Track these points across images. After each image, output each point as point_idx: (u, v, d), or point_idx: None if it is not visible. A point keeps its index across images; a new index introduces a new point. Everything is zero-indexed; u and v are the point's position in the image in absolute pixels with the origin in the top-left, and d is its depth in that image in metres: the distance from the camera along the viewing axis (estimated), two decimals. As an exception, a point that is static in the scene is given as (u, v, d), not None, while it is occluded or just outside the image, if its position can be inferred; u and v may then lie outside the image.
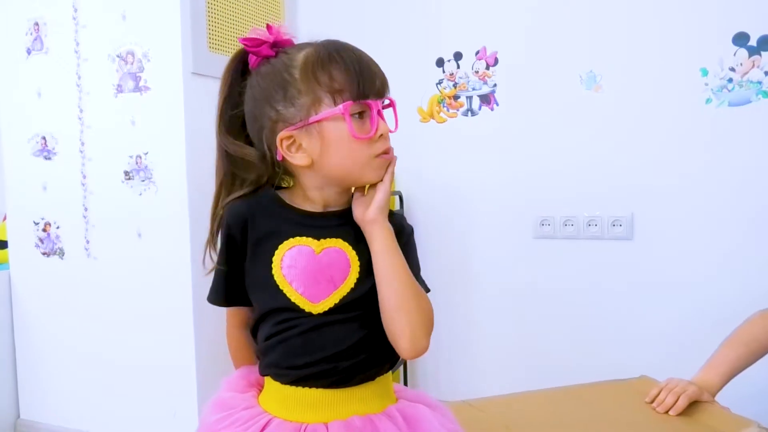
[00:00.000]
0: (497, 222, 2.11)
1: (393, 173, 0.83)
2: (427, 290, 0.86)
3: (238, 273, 0.85)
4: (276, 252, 0.81)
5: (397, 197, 2.17)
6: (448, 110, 2.17)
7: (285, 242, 0.81)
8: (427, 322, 0.82)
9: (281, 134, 0.80)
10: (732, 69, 1.80)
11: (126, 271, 1.96)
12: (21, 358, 2.19)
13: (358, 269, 0.81)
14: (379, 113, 0.80)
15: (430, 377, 2.25)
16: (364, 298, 0.81)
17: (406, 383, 2.20)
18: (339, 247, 0.82)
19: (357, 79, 0.79)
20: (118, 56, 1.91)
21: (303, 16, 2.37)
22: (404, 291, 0.80)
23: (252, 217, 0.83)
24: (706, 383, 1.23)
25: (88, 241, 2.02)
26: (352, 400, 0.81)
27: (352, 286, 0.81)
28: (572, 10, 1.98)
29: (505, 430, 1.17)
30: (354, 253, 0.82)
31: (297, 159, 0.81)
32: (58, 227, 2.07)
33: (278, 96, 0.81)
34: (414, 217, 2.23)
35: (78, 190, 2.01)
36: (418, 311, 0.80)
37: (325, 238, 0.82)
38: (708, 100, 1.83)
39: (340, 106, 0.78)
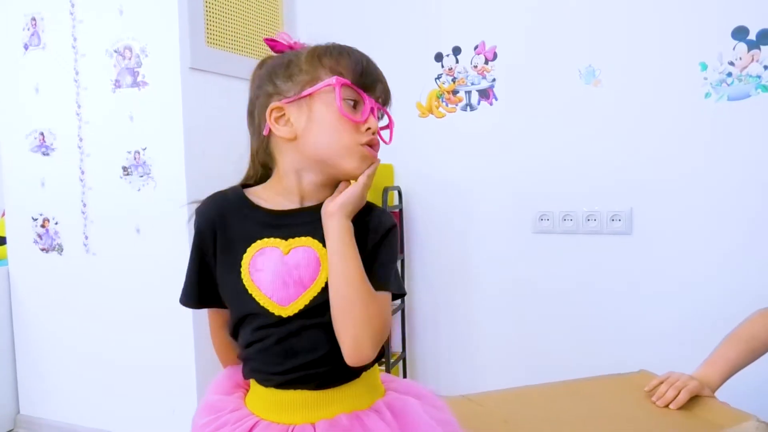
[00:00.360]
0: (496, 216, 2.11)
1: (372, 176, 0.81)
2: (401, 294, 0.83)
3: (209, 275, 0.84)
4: (244, 256, 0.80)
5: (396, 192, 2.17)
6: (447, 105, 2.17)
7: (253, 245, 0.80)
8: (375, 331, 0.76)
9: (272, 105, 0.81)
10: (731, 63, 1.79)
11: (125, 267, 1.96)
12: (20, 353, 2.20)
13: (328, 267, 0.78)
14: (373, 111, 0.80)
15: (430, 374, 2.26)
16: None
17: (405, 377, 2.20)
18: (308, 245, 0.79)
19: (361, 70, 0.80)
20: (115, 51, 1.90)
21: (301, 11, 2.36)
22: (350, 296, 0.75)
23: (221, 219, 0.83)
24: (706, 379, 1.23)
25: (86, 237, 2.01)
26: (338, 400, 0.80)
27: (323, 285, 0.78)
28: (571, 4, 1.97)
29: (503, 425, 1.17)
30: (324, 250, 0.79)
31: (282, 131, 0.81)
32: (56, 223, 2.07)
33: (280, 72, 0.82)
34: (413, 212, 2.23)
35: (76, 185, 2.01)
36: (365, 319, 0.75)
37: (294, 237, 0.80)
38: (707, 95, 1.83)
39: (334, 78, 0.78)
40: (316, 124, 0.79)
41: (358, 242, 0.79)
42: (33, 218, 2.11)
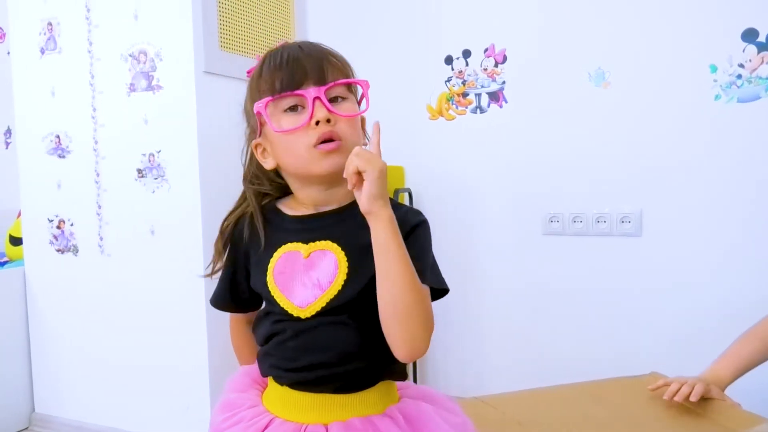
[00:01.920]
0: (506, 218, 2.12)
1: (369, 160, 0.74)
2: (445, 290, 0.82)
3: (241, 280, 0.89)
4: (270, 260, 0.83)
5: (406, 194, 2.18)
6: (457, 107, 2.18)
7: (279, 249, 0.83)
8: (428, 327, 0.76)
9: (253, 143, 0.86)
10: (741, 65, 1.80)
11: (139, 268, 1.99)
12: (35, 352, 2.23)
13: (346, 270, 0.79)
14: (317, 100, 0.78)
15: (440, 374, 2.27)
16: (354, 301, 0.79)
17: (415, 380, 2.21)
18: (327, 249, 0.81)
19: (278, 74, 0.80)
20: (130, 55, 1.93)
21: (312, 15, 2.38)
22: (403, 296, 0.73)
23: (252, 231, 0.86)
24: (717, 375, 1.23)
25: (101, 238, 2.04)
26: (352, 405, 0.81)
27: (339, 288, 0.79)
28: (581, 6, 1.98)
29: (517, 427, 1.18)
30: (342, 253, 0.80)
31: (267, 164, 0.85)
32: (72, 224, 2.10)
33: (245, 109, 0.87)
34: (423, 213, 2.24)
35: (92, 187, 2.04)
36: (419, 317, 0.75)
37: (314, 240, 0.82)
38: (717, 97, 1.83)
39: (257, 105, 0.80)
40: (275, 149, 0.83)
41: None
42: (49, 219, 2.14)
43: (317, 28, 2.38)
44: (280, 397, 0.83)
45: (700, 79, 1.85)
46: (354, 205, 0.78)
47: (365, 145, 0.86)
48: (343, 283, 0.79)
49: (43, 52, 2.09)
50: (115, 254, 2.03)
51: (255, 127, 0.85)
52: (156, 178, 1.92)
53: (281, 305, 0.81)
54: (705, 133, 1.85)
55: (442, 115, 2.20)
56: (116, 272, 2.03)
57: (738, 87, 1.81)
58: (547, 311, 2.08)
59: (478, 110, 2.15)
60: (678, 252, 1.90)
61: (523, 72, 2.08)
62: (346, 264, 0.80)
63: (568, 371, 1.84)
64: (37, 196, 2.16)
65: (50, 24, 2.06)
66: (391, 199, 0.81)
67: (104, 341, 2.07)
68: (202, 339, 1.88)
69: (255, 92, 0.83)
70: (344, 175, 0.75)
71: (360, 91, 0.86)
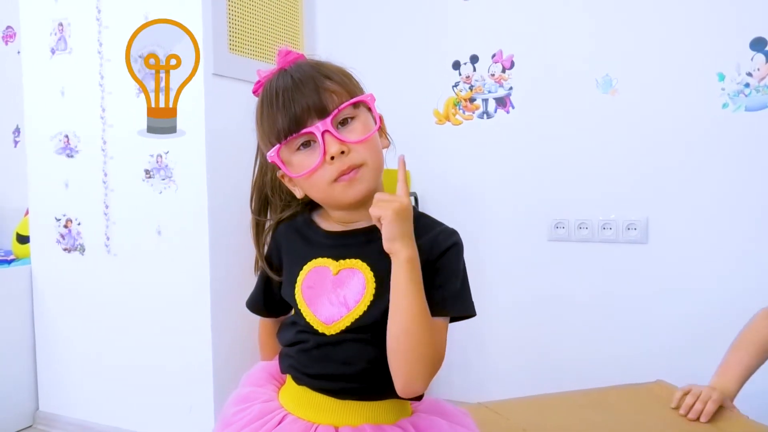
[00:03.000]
0: (512, 224, 2.12)
1: (383, 205, 0.75)
2: (467, 315, 0.82)
3: (275, 287, 0.90)
4: (300, 272, 0.84)
5: (412, 198, 2.19)
6: (463, 113, 2.18)
7: (308, 263, 0.84)
8: (429, 368, 0.76)
9: (278, 174, 0.86)
10: (749, 74, 1.80)
11: (145, 268, 1.99)
12: (40, 351, 2.24)
13: (373, 291, 0.79)
14: (326, 133, 0.77)
15: (443, 379, 2.25)
16: (378, 322, 0.78)
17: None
18: (356, 267, 0.81)
19: (279, 117, 0.78)
20: (140, 57, 1.94)
21: (321, 19, 2.39)
22: (408, 336, 0.74)
23: (288, 238, 0.88)
24: (724, 388, 1.23)
25: (108, 238, 2.05)
26: (365, 412, 0.81)
27: (365, 309, 0.79)
28: (588, 13, 1.99)
29: (521, 432, 1.18)
30: (371, 273, 0.80)
31: (297, 192, 0.86)
32: (79, 224, 2.11)
33: (257, 136, 0.87)
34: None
35: (99, 187, 2.05)
36: (422, 358, 0.74)
37: (344, 258, 0.82)
38: (725, 105, 1.83)
39: (269, 153, 0.81)
40: (299, 185, 0.84)
41: None
42: (56, 218, 2.15)
43: (326, 32, 2.39)
44: (296, 395, 0.84)
45: (708, 88, 1.85)
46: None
47: (386, 148, 0.86)
48: (369, 303, 0.79)
49: (53, 52, 2.10)
50: (122, 254, 2.04)
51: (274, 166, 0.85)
52: (163, 179, 1.93)
53: (307, 319, 0.82)
54: (712, 141, 1.85)
55: (449, 120, 2.21)
56: (122, 272, 2.03)
57: (746, 96, 1.81)
58: (552, 317, 2.08)
59: (485, 115, 2.15)
60: (684, 260, 1.90)
61: (531, 78, 2.08)
62: (374, 284, 0.80)
63: (573, 377, 1.84)
64: (44, 195, 2.17)
65: (61, 24, 2.08)
66: (426, 216, 0.84)
67: (109, 341, 2.08)
68: (207, 340, 1.89)
69: (262, 133, 0.83)
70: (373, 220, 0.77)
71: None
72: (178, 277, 1.93)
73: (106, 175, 2.04)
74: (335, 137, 0.77)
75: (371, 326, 0.79)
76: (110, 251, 2.05)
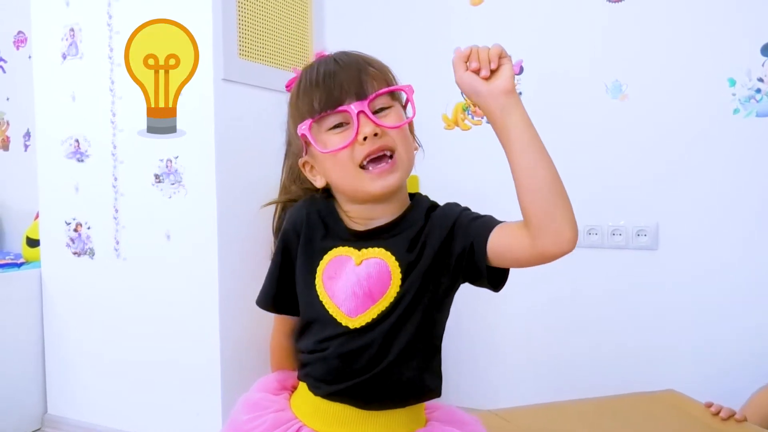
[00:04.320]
0: (520, 230, 2.11)
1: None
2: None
3: (289, 280, 0.85)
4: (320, 262, 0.81)
5: (420, 203, 2.18)
6: (473, 118, 2.18)
7: (330, 252, 0.80)
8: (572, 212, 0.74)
9: (300, 161, 0.84)
10: (760, 79, 1.79)
11: (154, 272, 2.00)
12: (50, 354, 2.24)
13: (399, 282, 0.77)
14: (362, 114, 0.76)
15: (452, 384, 2.24)
16: (404, 315, 0.76)
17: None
18: (380, 257, 0.78)
19: (316, 93, 0.78)
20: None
21: (330, 24, 2.40)
22: (553, 171, 0.73)
23: (308, 223, 0.83)
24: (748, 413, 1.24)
25: (117, 242, 2.06)
26: (381, 422, 0.79)
27: (392, 300, 0.77)
28: (598, 18, 1.98)
29: (531, 439, 1.17)
30: (396, 264, 0.77)
31: (317, 181, 0.83)
32: (89, 228, 2.12)
33: (288, 127, 0.86)
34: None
35: (109, 191, 2.06)
36: (566, 199, 0.74)
37: (366, 248, 0.79)
38: (735, 111, 1.82)
39: (300, 127, 0.78)
40: (323, 167, 0.81)
41: (428, 248, 0.77)
42: (66, 222, 2.16)
43: (335, 37, 2.39)
44: (311, 405, 0.82)
45: (719, 93, 1.83)
46: (403, 220, 0.79)
47: (415, 150, 0.86)
48: (396, 294, 0.77)
49: (64, 57, 2.12)
50: (131, 258, 2.04)
51: (299, 148, 0.83)
52: (173, 184, 1.94)
53: (330, 312, 0.79)
54: (723, 146, 1.84)
55: (457, 125, 2.21)
56: (132, 276, 2.04)
57: (757, 101, 1.80)
58: (561, 323, 2.07)
59: (494, 121, 2.14)
60: (694, 266, 1.88)
61: (540, 83, 2.07)
62: (400, 275, 0.77)
63: (582, 384, 1.83)
64: (54, 199, 2.19)
65: (72, 30, 2.09)
66: (418, 194, 0.82)
67: (118, 344, 2.08)
68: (215, 344, 1.89)
69: (296, 113, 0.81)
70: (474, 63, 0.75)
71: (405, 96, 0.84)
72: (187, 282, 1.93)
73: (116, 179, 2.05)
74: (370, 119, 0.76)
75: (397, 320, 0.77)
76: (120, 255, 2.06)
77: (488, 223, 0.80)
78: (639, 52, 1.93)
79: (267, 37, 2.08)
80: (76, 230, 2.15)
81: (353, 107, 0.76)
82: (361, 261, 0.79)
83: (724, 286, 1.85)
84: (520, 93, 2.09)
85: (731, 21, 1.82)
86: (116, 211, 2.05)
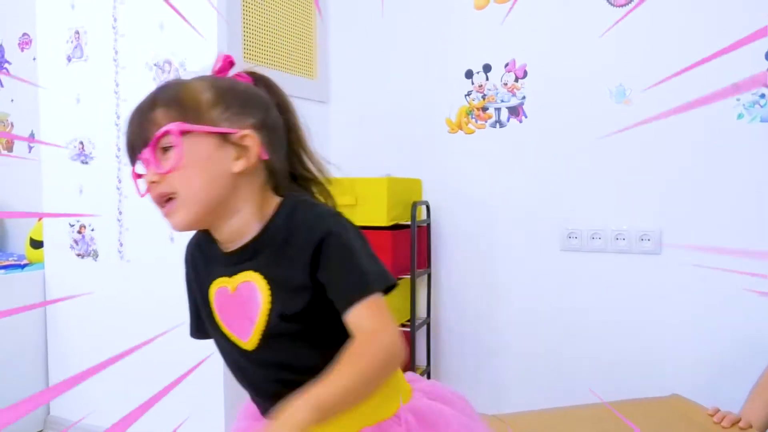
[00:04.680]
0: (524, 234, 2.12)
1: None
2: (393, 284, 0.75)
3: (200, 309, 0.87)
4: (209, 295, 0.83)
5: (424, 207, 2.18)
6: (476, 122, 2.18)
7: (212, 284, 0.82)
8: (385, 371, 0.71)
9: None
10: (765, 85, 1.79)
11: (157, 274, 2.00)
12: (52, 355, 2.25)
13: (269, 297, 0.76)
14: (135, 175, 0.80)
15: (456, 389, 2.25)
16: (287, 326, 0.75)
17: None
18: (249, 279, 0.78)
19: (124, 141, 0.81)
20: (155, 65, 1.95)
21: (334, 28, 2.41)
22: (368, 384, 0.69)
23: (194, 254, 0.87)
24: (748, 417, 1.24)
25: (121, 244, 2.06)
26: (357, 414, 0.75)
27: (266, 318, 0.76)
28: (602, 23, 1.98)
29: (533, 444, 1.17)
30: (264, 281, 0.77)
31: None
32: (92, 229, 2.12)
33: None
34: (440, 226, 2.24)
35: (113, 193, 2.06)
36: (377, 383, 0.70)
37: (237, 273, 0.79)
38: (740, 116, 1.82)
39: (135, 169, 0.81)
40: None
41: (293, 260, 0.75)
42: (70, 224, 2.17)
43: (339, 41, 2.40)
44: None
45: (723, 98, 1.83)
46: (266, 233, 0.77)
47: (248, 165, 0.77)
48: (268, 312, 0.76)
49: (69, 59, 2.12)
50: (135, 260, 2.05)
51: None
52: (177, 186, 1.94)
53: (231, 339, 0.81)
54: (727, 151, 1.84)
55: (461, 129, 2.21)
56: (135, 278, 2.04)
57: (761, 107, 1.80)
58: (564, 328, 2.06)
59: (498, 124, 2.15)
60: (698, 271, 1.88)
61: (544, 87, 2.08)
62: (268, 290, 0.77)
63: (585, 389, 1.83)
64: (59, 201, 2.19)
65: (77, 33, 2.10)
66: (305, 201, 0.79)
67: (121, 347, 2.07)
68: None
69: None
70: None
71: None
72: (190, 284, 1.93)
73: (120, 181, 2.05)
74: (135, 176, 0.80)
75: (283, 332, 0.77)
76: (123, 257, 2.06)
77: (350, 298, 0.72)
78: (643, 57, 1.93)
79: (272, 40, 2.09)
80: (79, 232, 2.15)
81: (136, 165, 0.79)
82: (235, 287, 0.80)
83: (727, 291, 1.85)
84: (524, 97, 2.09)
85: (735, 25, 1.82)
86: (120, 212, 2.06)
